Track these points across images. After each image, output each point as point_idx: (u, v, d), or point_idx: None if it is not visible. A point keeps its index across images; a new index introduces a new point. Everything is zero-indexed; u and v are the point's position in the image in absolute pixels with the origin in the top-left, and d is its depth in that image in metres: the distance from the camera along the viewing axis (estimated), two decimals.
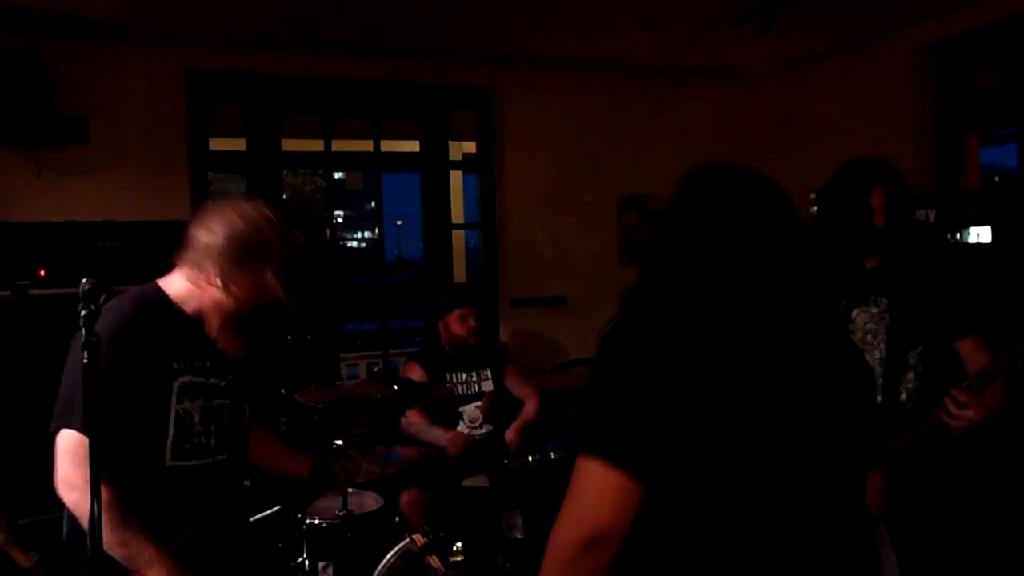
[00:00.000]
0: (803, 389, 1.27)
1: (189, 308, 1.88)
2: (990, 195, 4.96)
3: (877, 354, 2.41)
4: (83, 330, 1.46)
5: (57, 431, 1.73)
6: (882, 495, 1.48)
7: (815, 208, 5.12)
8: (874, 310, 2.43)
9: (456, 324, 3.76)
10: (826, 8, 4.07)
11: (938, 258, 2.53)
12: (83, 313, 1.47)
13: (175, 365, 1.83)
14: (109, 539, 1.65)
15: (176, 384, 1.83)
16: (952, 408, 2.14)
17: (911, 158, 4.41)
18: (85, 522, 1.68)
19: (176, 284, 1.90)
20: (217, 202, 1.92)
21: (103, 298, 1.53)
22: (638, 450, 1.18)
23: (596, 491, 1.19)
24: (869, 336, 2.43)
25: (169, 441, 1.82)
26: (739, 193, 1.40)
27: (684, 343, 1.23)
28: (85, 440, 1.67)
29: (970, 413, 2.12)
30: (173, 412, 1.82)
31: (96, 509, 1.46)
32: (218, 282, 1.83)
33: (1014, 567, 3.08)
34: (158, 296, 1.88)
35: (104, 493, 1.66)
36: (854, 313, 2.46)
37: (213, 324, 1.89)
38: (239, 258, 1.82)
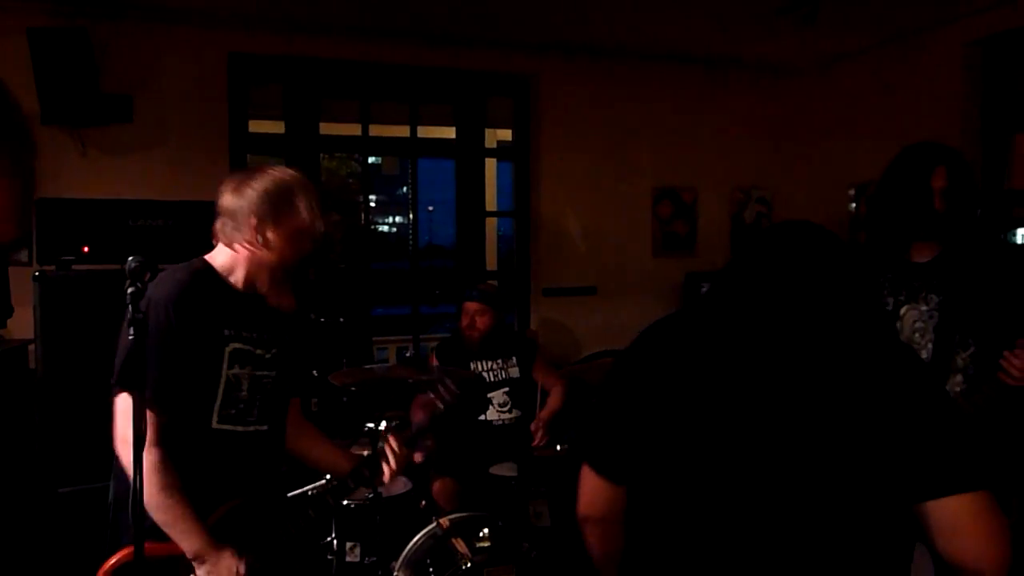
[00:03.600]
0: (793, 411, 1.28)
1: (236, 277, 1.94)
2: None
3: (924, 354, 2.32)
4: (130, 307, 1.49)
5: (117, 393, 1.80)
6: (997, 540, 1.24)
7: (854, 205, 5.06)
8: (923, 308, 2.34)
9: (465, 316, 3.77)
10: (871, 2, 3.99)
11: (996, 255, 2.37)
12: (130, 291, 1.50)
13: (226, 332, 1.89)
14: (151, 501, 1.71)
15: (228, 350, 1.89)
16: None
17: None
18: (131, 475, 1.75)
19: (220, 257, 1.95)
20: (231, 174, 1.99)
21: (148, 275, 1.56)
22: (614, 461, 1.46)
23: (584, 485, 1.51)
24: (916, 335, 2.35)
25: (217, 404, 1.87)
26: (777, 246, 1.43)
27: (667, 367, 1.41)
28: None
29: None
30: (224, 376, 1.88)
31: (138, 480, 1.50)
32: (257, 240, 1.89)
33: None
34: (206, 268, 1.94)
35: (154, 454, 1.74)
36: (903, 310, 2.37)
37: (263, 284, 1.95)
38: (268, 211, 1.88)
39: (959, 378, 2.30)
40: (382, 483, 2.16)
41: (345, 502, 2.97)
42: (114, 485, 1.91)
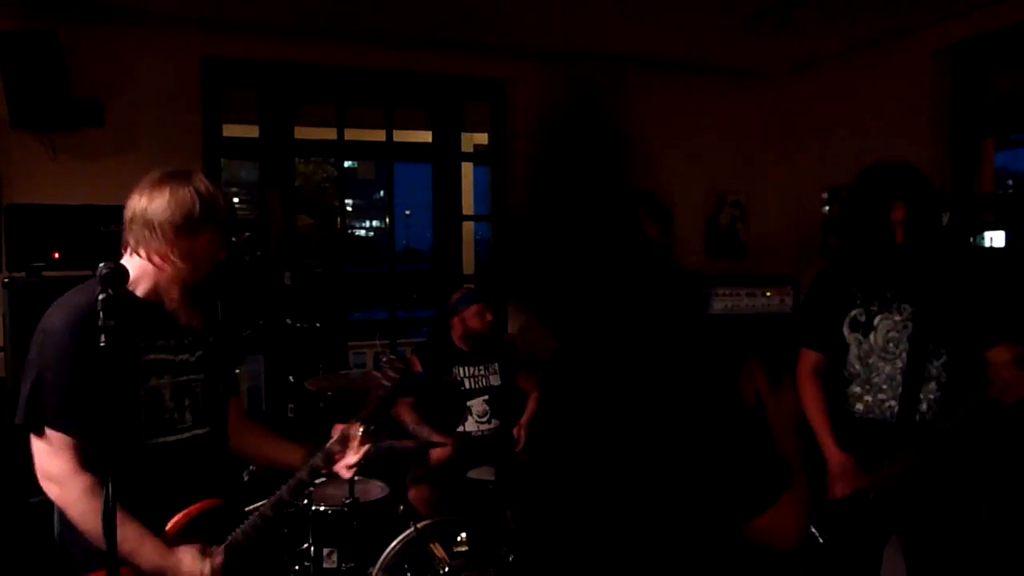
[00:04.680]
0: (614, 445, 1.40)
1: (143, 288, 1.87)
2: (1005, 199, 4.93)
3: (899, 364, 2.37)
4: (101, 314, 1.47)
5: (33, 430, 1.75)
6: (789, 522, 1.40)
7: (827, 208, 5.12)
8: (897, 318, 2.38)
9: (474, 319, 3.76)
10: (843, 7, 4.05)
11: (964, 263, 2.42)
12: (101, 297, 1.48)
13: (137, 345, 1.82)
14: (91, 530, 1.67)
15: (140, 362, 1.83)
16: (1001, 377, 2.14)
17: (926, 160, 4.39)
18: (69, 513, 1.73)
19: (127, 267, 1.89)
20: (144, 179, 1.93)
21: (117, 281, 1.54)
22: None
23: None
24: (891, 345, 2.39)
25: (143, 419, 1.82)
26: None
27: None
28: (56, 433, 1.71)
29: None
30: (142, 390, 1.82)
31: (111, 499, 1.49)
32: (164, 253, 1.83)
33: None
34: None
35: (82, 481, 1.70)
36: (876, 320, 2.41)
37: (172, 296, 1.88)
38: (179, 226, 1.83)
39: (932, 386, 2.34)
40: (337, 472, 2.06)
41: (322, 508, 2.95)
42: (57, 517, 1.86)
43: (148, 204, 1.84)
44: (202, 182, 1.91)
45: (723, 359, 1.43)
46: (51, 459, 1.72)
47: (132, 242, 1.86)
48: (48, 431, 1.72)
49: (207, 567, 1.78)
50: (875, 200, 2.33)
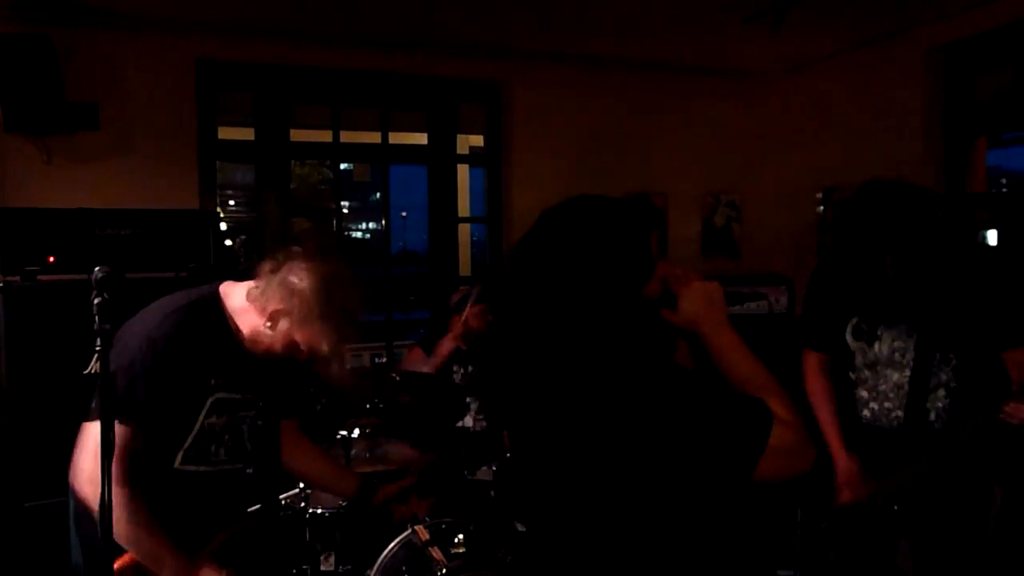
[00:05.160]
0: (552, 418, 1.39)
1: (241, 323, 1.88)
2: (997, 198, 4.95)
3: (906, 372, 2.30)
4: (96, 318, 1.47)
5: (89, 422, 1.75)
6: (792, 447, 1.34)
7: (822, 208, 5.14)
8: (902, 326, 2.32)
9: (476, 319, 3.79)
10: (836, 8, 4.07)
11: (969, 265, 2.30)
12: (96, 301, 1.48)
13: (213, 381, 1.84)
14: (124, 534, 1.67)
15: (210, 400, 1.84)
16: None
17: (919, 159, 4.41)
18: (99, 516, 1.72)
19: (239, 297, 1.88)
20: (319, 251, 1.89)
21: (115, 286, 1.54)
22: None
23: None
24: (896, 354, 2.33)
25: (185, 447, 1.83)
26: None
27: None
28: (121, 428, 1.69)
29: None
30: (199, 424, 1.83)
31: (107, 496, 1.48)
32: (267, 324, 1.83)
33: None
34: (213, 302, 1.87)
35: (124, 492, 1.69)
36: (880, 330, 2.36)
37: (256, 348, 1.89)
38: (305, 316, 1.81)
39: (941, 393, 2.28)
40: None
41: (319, 510, 2.95)
42: (74, 506, 1.86)
43: (297, 274, 1.81)
44: (350, 291, 1.86)
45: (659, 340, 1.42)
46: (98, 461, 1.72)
47: (261, 283, 1.84)
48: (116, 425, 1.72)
49: None
50: (865, 250, 2.27)
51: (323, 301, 1.80)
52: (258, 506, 2.37)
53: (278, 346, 1.87)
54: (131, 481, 1.72)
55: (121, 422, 1.68)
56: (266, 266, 1.86)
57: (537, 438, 1.43)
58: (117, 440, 1.68)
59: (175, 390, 1.74)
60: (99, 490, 1.67)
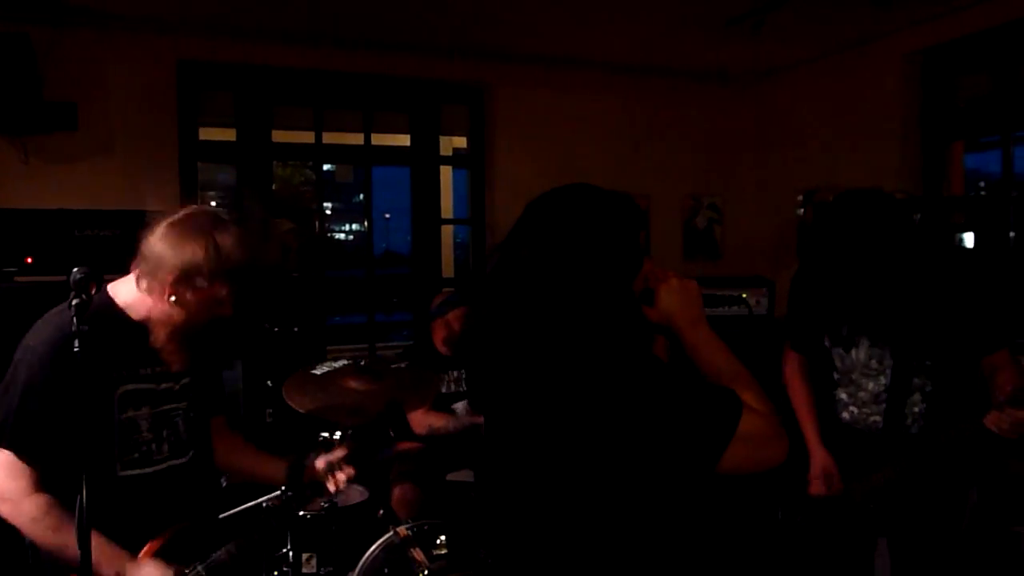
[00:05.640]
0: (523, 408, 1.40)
1: (136, 314, 1.83)
2: (974, 201, 5.02)
3: (883, 380, 2.33)
4: (74, 319, 1.46)
5: None
6: (763, 435, 1.34)
7: (802, 210, 5.18)
8: (880, 333, 2.33)
9: (458, 323, 3.76)
10: (816, 12, 4.11)
11: (945, 270, 2.34)
12: (74, 302, 1.47)
13: (115, 374, 1.79)
14: (48, 546, 1.68)
15: (117, 394, 1.79)
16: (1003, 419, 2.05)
17: (897, 163, 4.47)
18: (23, 531, 1.73)
19: (126, 289, 1.85)
20: (175, 213, 1.83)
21: (94, 286, 1.53)
22: None
23: None
24: (874, 361, 2.35)
25: (117, 450, 1.79)
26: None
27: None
28: (10, 455, 1.69)
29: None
30: (117, 422, 1.79)
31: (82, 505, 1.48)
32: (170, 297, 1.78)
33: None
34: (104, 302, 1.83)
35: (34, 501, 1.69)
36: (857, 337, 2.38)
37: (160, 334, 1.83)
38: (178, 276, 1.76)
39: (916, 397, 2.31)
40: (331, 492, 2.10)
41: (301, 512, 2.94)
42: None
43: (159, 242, 1.77)
44: (227, 237, 1.79)
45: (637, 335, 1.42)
46: (8, 480, 1.70)
47: (138, 269, 1.81)
48: (3, 451, 1.70)
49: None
50: (845, 257, 2.30)
51: (187, 252, 1.75)
52: (233, 511, 2.35)
53: (192, 317, 1.81)
54: (44, 490, 1.70)
55: (8, 450, 1.68)
56: (137, 257, 1.82)
57: (513, 423, 1.44)
58: (12, 465, 1.69)
59: (68, 394, 1.66)
60: (9, 507, 1.70)
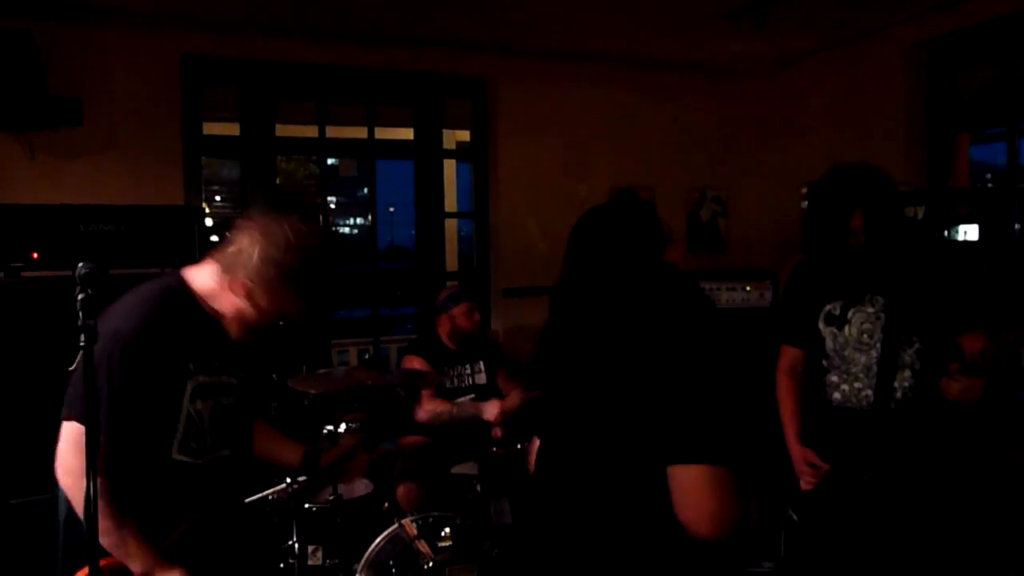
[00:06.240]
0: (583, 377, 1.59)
1: (212, 306, 1.87)
2: (979, 193, 5.00)
3: (874, 354, 2.42)
4: (80, 314, 1.47)
5: (65, 419, 1.74)
6: (713, 516, 1.40)
7: (806, 203, 5.17)
8: (870, 309, 2.43)
9: (462, 318, 3.76)
10: (820, 5, 4.09)
11: (934, 254, 2.52)
12: (80, 297, 1.48)
13: (191, 365, 1.83)
14: (102, 524, 1.65)
15: (191, 385, 1.82)
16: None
17: (902, 155, 4.46)
18: (77, 507, 1.72)
19: (203, 278, 1.88)
20: (267, 213, 1.88)
21: (98, 283, 1.54)
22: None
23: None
24: (865, 336, 2.44)
25: (178, 436, 1.82)
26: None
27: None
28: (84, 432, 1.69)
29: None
30: (185, 411, 1.82)
31: (92, 493, 1.48)
32: (246, 293, 1.83)
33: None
34: (181, 289, 1.86)
35: (98, 484, 1.68)
36: (850, 314, 2.46)
37: (232, 330, 1.89)
38: (274, 279, 1.81)
39: (907, 373, 2.40)
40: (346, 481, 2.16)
41: (307, 504, 2.96)
42: (63, 502, 1.86)
43: (250, 239, 1.82)
44: (312, 246, 1.86)
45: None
46: (75, 456, 1.69)
47: (221, 261, 1.84)
48: (75, 425, 1.71)
49: None
50: (834, 207, 2.42)
51: (288, 258, 1.81)
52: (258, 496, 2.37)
53: (262, 317, 1.87)
54: (106, 474, 1.70)
55: (82, 422, 1.68)
56: (223, 246, 1.86)
57: (567, 382, 1.62)
58: (76, 437, 1.69)
59: (151, 381, 1.73)
60: (72, 480, 1.69)
